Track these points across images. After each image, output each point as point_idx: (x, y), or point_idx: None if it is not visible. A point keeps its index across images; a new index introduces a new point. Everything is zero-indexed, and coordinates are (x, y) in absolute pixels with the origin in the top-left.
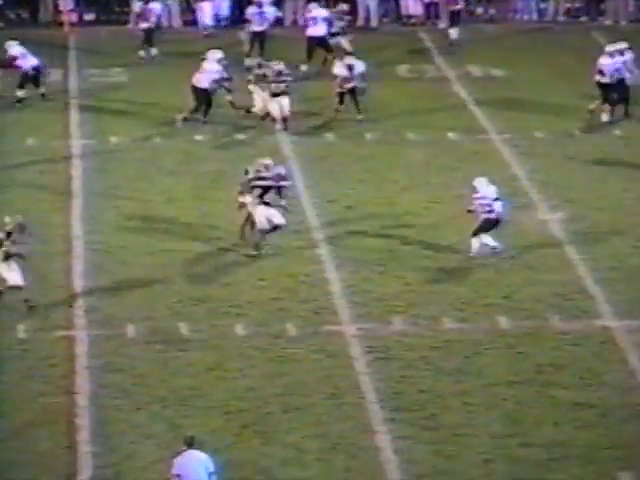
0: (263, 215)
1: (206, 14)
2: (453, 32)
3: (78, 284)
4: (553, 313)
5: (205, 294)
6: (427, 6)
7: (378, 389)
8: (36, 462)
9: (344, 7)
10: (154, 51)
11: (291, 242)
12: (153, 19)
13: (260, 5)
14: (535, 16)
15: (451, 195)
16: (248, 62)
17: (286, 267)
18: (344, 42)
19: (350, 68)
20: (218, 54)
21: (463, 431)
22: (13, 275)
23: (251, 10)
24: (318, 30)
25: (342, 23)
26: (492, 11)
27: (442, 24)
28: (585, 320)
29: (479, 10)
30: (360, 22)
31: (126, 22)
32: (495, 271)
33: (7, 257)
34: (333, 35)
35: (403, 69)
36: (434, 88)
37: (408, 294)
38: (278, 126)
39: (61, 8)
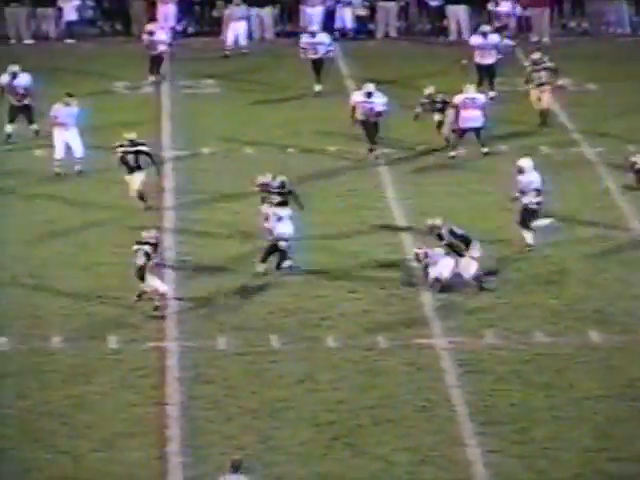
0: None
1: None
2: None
3: (169, 295)
4: None
5: (296, 306)
6: (519, 19)
7: (469, 402)
8: (126, 473)
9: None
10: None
11: (383, 255)
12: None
13: (313, 35)
14: (628, 29)
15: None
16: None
17: (377, 279)
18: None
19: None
20: (370, 87)
21: (553, 445)
22: (158, 283)
23: (304, 39)
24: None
25: None
26: (585, 24)
27: (535, 37)
28: None
29: (572, 24)
30: (453, 36)
31: (219, 33)
32: (587, 284)
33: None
34: None
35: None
36: (527, 101)
37: (500, 307)
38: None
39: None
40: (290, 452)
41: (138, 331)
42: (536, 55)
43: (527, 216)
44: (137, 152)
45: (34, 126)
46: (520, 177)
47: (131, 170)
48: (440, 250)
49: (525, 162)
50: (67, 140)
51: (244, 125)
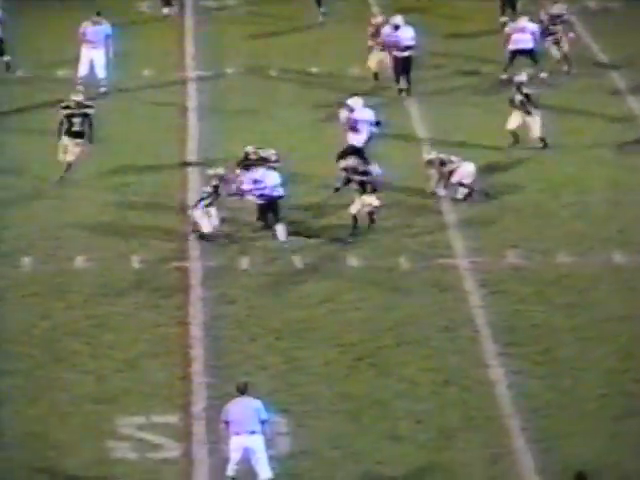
0: None
1: None
2: None
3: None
4: None
5: (319, 225)
6: None
7: (491, 323)
8: (151, 392)
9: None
10: None
11: (406, 174)
12: None
13: (396, 27)
14: None
15: None
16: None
17: (399, 199)
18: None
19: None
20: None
21: (577, 366)
22: (206, 222)
23: (387, 31)
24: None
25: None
26: None
27: None
28: None
29: None
30: None
31: None
32: (611, 205)
33: (209, 205)
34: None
35: None
36: None
37: (523, 227)
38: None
39: None
40: (314, 372)
41: (162, 251)
42: (555, 9)
43: None
44: (84, 115)
45: (6, 58)
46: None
47: (73, 135)
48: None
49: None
50: (93, 59)
51: (267, 47)
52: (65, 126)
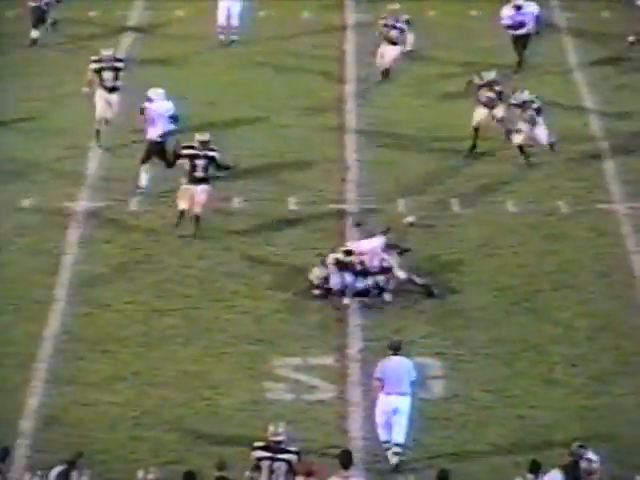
0: None
1: None
2: None
3: (351, 158)
4: None
5: (480, 170)
6: None
7: None
8: (308, 334)
9: None
10: None
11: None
12: None
13: (519, 7)
14: None
15: None
16: None
17: (560, 145)
18: None
19: None
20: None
21: None
22: None
23: (507, 12)
24: None
25: None
26: None
27: None
28: None
29: None
30: None
31: None
32: None
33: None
34: None
35: None
36: None
37: None
38: None
39: None
40: (469, 316)
41: (317, 193)
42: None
43: None
44: (116, 69)
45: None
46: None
47: (108, 90)
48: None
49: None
50: (230, 9)
51: None
52: (100, 80)
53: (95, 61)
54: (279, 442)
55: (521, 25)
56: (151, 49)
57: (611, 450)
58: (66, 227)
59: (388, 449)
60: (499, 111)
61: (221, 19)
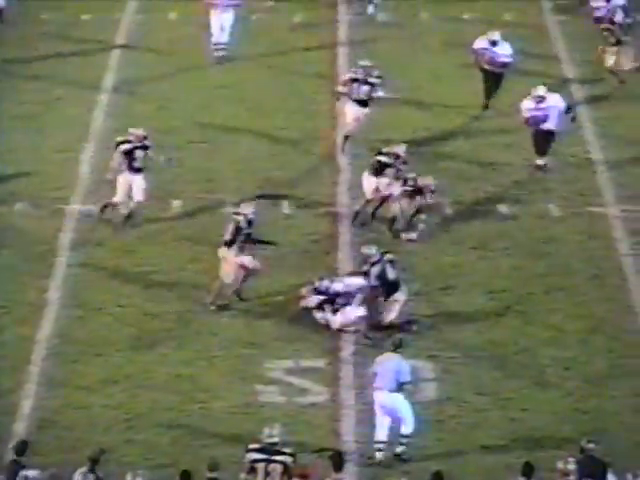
0: None
1: None
2: None
3: (344, 161)
4: None
5: (472, 173)
6: None
7: None
8: (300, 337)
9: None
10: None
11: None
12: None
13: (494, 43)
14: None
15: None
16: None
17: (552, 147)
18: None
19: None
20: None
21: None
22: None
23: (479, 44)
24: None
25: None
26: None
27: None
28: None
29: None
30: None
31: None
32: None
33: None
34: None
35: None
36: None
37: None
38: None
39: None
40: (462, 319)
41: (311, 196)
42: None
43: None
44: (145, 148)
45: None
46: None
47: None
48: None
49: None
50: (223, 23)
51: None
52: None
53: (122, 142)
54: (274, 444)
55: (501, 65)
56: (142, 51)
57: (603, 452)
58: (59, 230)
59: (379, 450)
60: None
61: (216, 35)
